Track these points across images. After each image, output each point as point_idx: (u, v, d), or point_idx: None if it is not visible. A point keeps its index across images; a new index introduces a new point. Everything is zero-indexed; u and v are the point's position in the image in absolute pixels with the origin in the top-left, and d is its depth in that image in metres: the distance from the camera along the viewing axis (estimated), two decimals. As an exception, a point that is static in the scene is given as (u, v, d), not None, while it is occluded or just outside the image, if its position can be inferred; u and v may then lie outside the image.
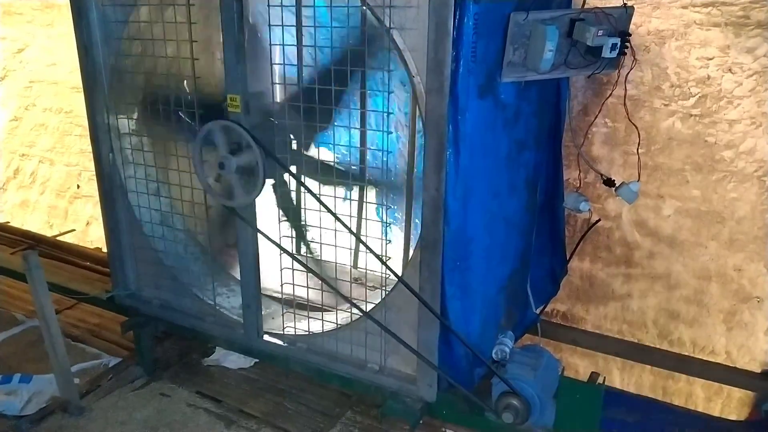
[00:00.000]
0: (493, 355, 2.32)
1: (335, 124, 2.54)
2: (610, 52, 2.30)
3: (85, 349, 3.32)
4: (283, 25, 2.30)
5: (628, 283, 3.22)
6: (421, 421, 2.51)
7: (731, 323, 3.03)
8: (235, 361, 3.15)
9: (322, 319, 2.60)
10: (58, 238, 4.92)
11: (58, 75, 5.36)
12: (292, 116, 2.48)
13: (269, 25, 2.31)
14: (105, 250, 3.10)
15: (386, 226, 2.38)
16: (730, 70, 2.69)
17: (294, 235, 2.81)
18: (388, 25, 2.04)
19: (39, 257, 2.68)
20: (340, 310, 2.62)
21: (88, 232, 5.37)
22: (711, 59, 2.71)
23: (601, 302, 3.31)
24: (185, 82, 2.64)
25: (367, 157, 2.54)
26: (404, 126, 2.62)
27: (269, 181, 2.68)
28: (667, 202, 3.01)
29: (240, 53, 2.33)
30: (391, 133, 2.50)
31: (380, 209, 2.59)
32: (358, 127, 2.57)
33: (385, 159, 2.38)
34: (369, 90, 2.48)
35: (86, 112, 2.86)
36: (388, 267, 2.31)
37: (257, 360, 3.12)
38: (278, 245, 2.45)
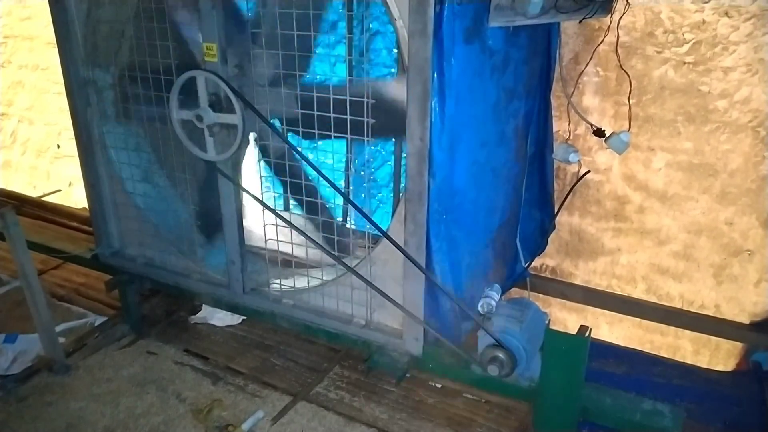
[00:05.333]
0: (479, 308, 2.29)
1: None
2: (602, -6, 2.22)
3: (70, 308, 3.30)
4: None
5: (617, 237, 3.19)
6: (407, 375, 2.51)
7: (721, 277, 3.01)
8: (222, 318, 3.13)
9: (308, 275, 2.56)
10: (43, 198, 4.85)
11: (32, 30, 5.18)
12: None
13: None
14: (90, 209, 3.04)
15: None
16: (726, 13, 2.59)
17: (281, 190, 2.75)
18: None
19: (21, 217, 2.61)
20: (326, 265, 2.58)
21: (73, 192, 5.30)
22: (707, 2, 2.61)
23: (591, 257, 3.29)
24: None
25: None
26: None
27: (252, 135, 2.60)
28: (657, 155, 2.95)
29: (215, -3, 2.22)
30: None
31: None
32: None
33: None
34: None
35: (60, 64, 2.75)
36: (372, 222, 2.26)
37: (245, 317, 3.10)
38: (260, 201, 2.39)
